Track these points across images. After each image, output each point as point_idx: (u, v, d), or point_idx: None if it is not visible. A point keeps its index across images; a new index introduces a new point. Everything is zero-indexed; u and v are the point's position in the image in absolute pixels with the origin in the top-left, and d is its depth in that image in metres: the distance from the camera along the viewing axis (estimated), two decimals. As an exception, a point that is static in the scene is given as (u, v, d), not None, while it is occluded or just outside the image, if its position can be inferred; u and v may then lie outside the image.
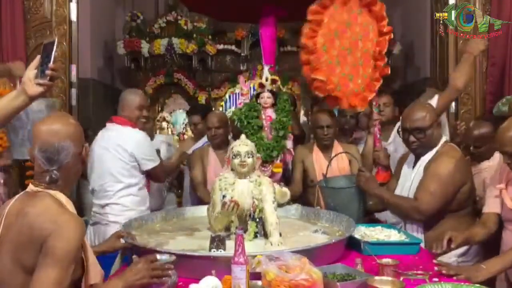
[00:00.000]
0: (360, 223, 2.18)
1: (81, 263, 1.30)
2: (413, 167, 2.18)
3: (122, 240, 1.76)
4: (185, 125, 5.42)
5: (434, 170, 2.04)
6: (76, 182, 1.39)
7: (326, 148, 2.79)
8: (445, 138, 2.20)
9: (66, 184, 1.34)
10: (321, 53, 2.39)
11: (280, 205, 2.30)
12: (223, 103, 5.71)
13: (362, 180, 2.25)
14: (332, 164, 2.67)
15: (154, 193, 2.97)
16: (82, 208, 3.34)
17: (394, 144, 2.86)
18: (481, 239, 1.93)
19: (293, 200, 2.62)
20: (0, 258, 1.25)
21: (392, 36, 2.59)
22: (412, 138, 2.12)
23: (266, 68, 2.75)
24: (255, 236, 1.95)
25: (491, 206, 1.94)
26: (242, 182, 2.01)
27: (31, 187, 1.32)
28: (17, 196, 1.34)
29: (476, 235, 1.91)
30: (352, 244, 1.89)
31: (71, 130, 1.33)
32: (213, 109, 5.22)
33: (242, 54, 5.71)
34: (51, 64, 1.42)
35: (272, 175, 2.64)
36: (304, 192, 2.88)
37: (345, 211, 2.23)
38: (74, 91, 3.80)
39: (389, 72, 2.59)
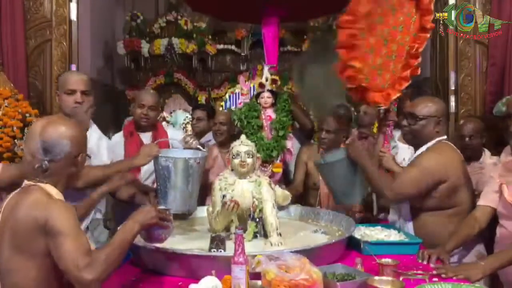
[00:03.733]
0: (364, 195, 2.17)
1: None
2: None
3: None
4: (185, 124, 5.41)
5: (418, 160, 2.05)
6: (70, 185, 1.47)
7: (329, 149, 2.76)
8: (443, 138, 2.15)
9: (58, 180, 1.41)
10: (359, 38, 2.19)
11: (280, 207, 2.30)
12: (223, 103, 5.70)
13: (352, 149, 2.16)
14: None
15: None
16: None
17: (396, 149, 2.87)
18: (469, 238, 1.93)
19: (294, 201, 2.62)
20: (2, 249, 1.33)
21: (430, 34, 2.36)
22: (404, 122, 2.13)
23: (266, 68, 2.75)
24: (255, 236, 1.95)
25: (488, 199, 1.94)
26: (242, 182, 2.01)
27: (26, 183, 1.40)
28: (14, 191, 1.41)
29: (464, 237, 1.91)
30: (352, 244, 1.89)
31: (72, 133, 1.42)
32: (214, 109, 5.21)
33: (242, 54, 5.72)
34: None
35: (272, 175, 2.65)
36: (306, 195, 2.88)
37: (346, 185, 2.18)
38: (74, 91, 3.80)
39: (419, 73, 2.42)
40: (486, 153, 2.74)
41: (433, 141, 2.09)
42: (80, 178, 1.61)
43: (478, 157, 2.71)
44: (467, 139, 2.68)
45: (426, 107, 2.09)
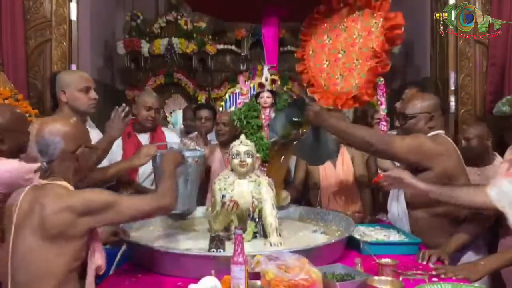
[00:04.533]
0: (336, 154, 2.16)
1: (86, 248, 1.44)
2: None
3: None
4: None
5: (415, 136, 2.02)
6: (81, 179, 1.56)
7: None
8: (440, 132, 2.09)
9: (65, 176, 1.47)
10: (309, 59, 2.66)
11: (280, 207, 2.30)
12: (223, 103, 5.71)
13: (311, 115, 2.06)
14: (337, 167, 2.66)
15: None
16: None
17: None
18: (472, 239, 1.91)
19: (295, 201, 2.62)
20: (23, 241, 1.38)
21: (400, 31, 2.41)
22: (397, 122, 2.17)
23: (266, 68, 2.75)
24: (254, 237, 1.95)
25: None
26: (242, 182, 2.01)
27: (38, 181, 1.46)
28: (25, 188, 1.44)
29: (464, 241, 1.89)
30: (351, 244, 1.89)
31: (65, 130, 1.47)
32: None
33: (242, 54, 5.72)
34: None
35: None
36: (306, 194, 2.88)
37: (315, 152, 2.17)
38: (74, 91, 3.80)
39: (387, 69, 2.45)
40: (498, 158, 2.67)
41: (428, 135, 2.05)
42: (91, 172, 1.69)
43: (485, 161, 2.68)
44: (465, 141, 2.68)
45: (415, 105, 2.09)
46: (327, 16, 2.63)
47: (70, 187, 1.45)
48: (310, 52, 2.67)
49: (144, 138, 2.72)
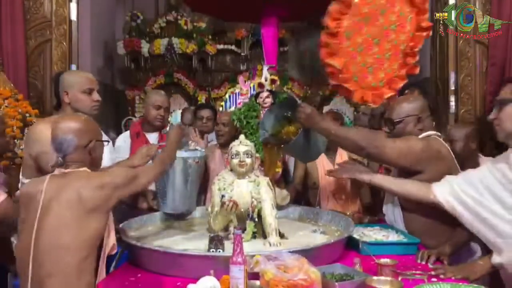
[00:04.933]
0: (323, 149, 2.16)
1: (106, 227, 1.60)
2: None
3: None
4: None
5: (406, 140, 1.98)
6: (95, 169, 1.73)
7: (329, 150, 2.77)
8: (432, 133, 2.05)
9: (84, 166, 1.64)
10: (343, 38, 2.20)
11: (280, 207, 2.30)
12: (223, 103, 5.72)
13: (302, 117, 2.01)
14: (335, 166, 2.64)
15: None
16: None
17: None
18: (469, 239, 1.91)
19: (294, 201, 2.62)
20: (50, 219, 1.51)
21: (430, 33, 2.35)
22: (385, 128, 2.10)
23: (265, 68, 2.75)
24: (254, 237, 1.95)
25: None
26: (241, 182, 2.01)
27: (59, 170, 1.60)
28: (46, 177, 1.59)
29: (462, 240, 1.89)
30: (350, 244, 1.89)
31: (76, 127, 1.63)
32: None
33: (242, 54, 5.73)
34: None
35: (271, 175, 2.64)
36: (305, 194, 2.88)
37: (305, 150, 2.15)
38: (74, 91, 3.80)
39: (418, 71, 2.40)
40: (483, 158, 2.66)
41: (420, 137, 2.01)
42: (98, 166, 1.79)
43: (470, 164, 2.65)
44: (449, 143, 2.60)
45: (401, 108, 2.05)
46: None
47: (92, 172, 1.64)
48: (345, 29, 2.19)
49: (153, 137, 2.72)
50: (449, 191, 1.79)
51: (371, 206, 2.79)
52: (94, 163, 1.70)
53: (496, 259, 1.61)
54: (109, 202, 1.57)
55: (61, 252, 1.48)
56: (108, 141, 1.85)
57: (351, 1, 2.14)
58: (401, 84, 2.35)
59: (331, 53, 2.19)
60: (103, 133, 1.86)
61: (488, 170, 1.72)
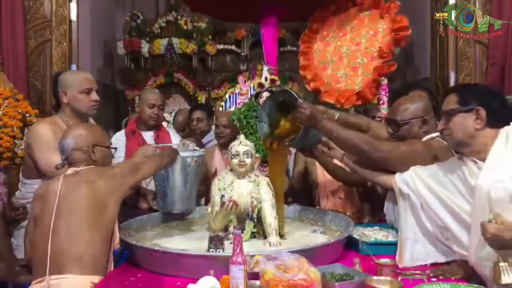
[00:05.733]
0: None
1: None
2: None
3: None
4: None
5: (409, 144, 1.92)
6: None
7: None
8: (436, 135, 1.98)
9: (87, 164, 1.77)
10: (313, 56, 2.74)
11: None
12: (223, 103, 5.72)
13: (303, 118, 1.93)
14: None
15: None
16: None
17: None
18: None
19: (293, 201, 2.62)
20: (68, 216, 1.62)
21: (408, 33, 2.59)
22: (389, 129, 2.05)
23: (265, 68, 2.76)
24: (253, 236, 1.95)
25: None
26: (241, 182, 2.01)
27: (71, 169, 1.74)
28: (59, 177, 1.70)
29: None
30: (350, 244, 1.89)
31: (76, 132, 1.80)
32: (213, 109, 5.22)
33: (242, 54, 5.73)
34: None
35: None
36: (305, 193, 2.87)
37: (304, 140, 2.09)
38: (74, 91, 3.80)
39: (394, 68, 2.63)
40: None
41: (424, 140, 1.96)
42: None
43: None
44: None
45: (406, 110, 1.98)
46: (335, 14, 2.70)
47: (101, 167, 1.78)
48: (315, 48, 2.76)
49: (148, 136, 2.72)
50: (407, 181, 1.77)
51: (371, 206, 2.78)
52: (96, 165, 1.79)
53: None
54: (121, 190, 1.72)
55: (78, 243, 1.59)
56: (115, 148, 1.97)
57: (317, 28, 2.72)
58: (375, 85, 2.61)
59: (304, 67, 2.79)
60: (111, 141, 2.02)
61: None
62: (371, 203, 2.73)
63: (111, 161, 1.94)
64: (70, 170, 1.74)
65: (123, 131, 2.82)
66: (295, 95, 1.96)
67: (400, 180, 1.79)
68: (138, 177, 1.84)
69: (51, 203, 1.65)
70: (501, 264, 1.32)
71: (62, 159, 1.77)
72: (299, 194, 2.85)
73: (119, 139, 2.73)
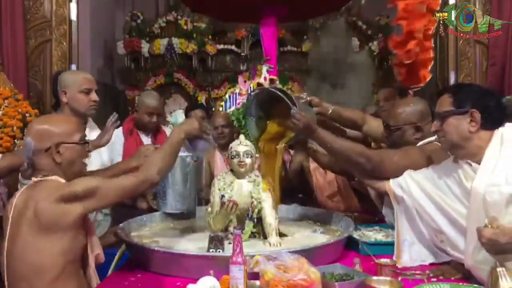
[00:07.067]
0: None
1: (83, 240, 1.50)
2: None
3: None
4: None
5: (405, 151, 1.87)
6: (77, 172, 1.56)
7: None
8: (431, 139, 1.91)
9: (53, 172, 1.49)
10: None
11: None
12: (223, 103, 5.72)
13: (299, 128, 1.84)
14: None
15: None
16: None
17: None
18: None
19: (293, 201, 2.62)
20: (19, 236, 1.42)
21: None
22: (384, 133, 2.04)
23: (264, 68, 2.75)
24: (253, 236, 1.95)
25: None
26: (241, 182, 2.01)
27: (33, 179, 1.49)
28: (22, 189, 1.50)
29: None
30: (350, 244, 1.88)
31: (37, 128, 1.50)
32: (213, 109, 5.22)
33: (242, 54, 5.73)
34: None
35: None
36: (304, 194, 2.88)
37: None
38: (74, 91, 3.80)
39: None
40: None
41: (419, 145, 1.92)
42: (82, 171, 1.61)
43: None
44: None
45: (399, 115, 1.93)
46: None
47: (61, 180, 1.48)
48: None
49: (145, 137, 2.72)
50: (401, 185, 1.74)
51: (371, 206, 2.79)
52: (68, 169, 1.51)
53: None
54: (66, 217, 1.41)
55: (33, 271, 1.41)
56: (87, 143, 1.61)
57: None
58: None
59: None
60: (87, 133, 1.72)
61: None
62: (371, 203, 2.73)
63: (83, 161, 1.59)
64: (33, 179, 1.49)
65: (120, 129, 2.81)
66: (292, 98, 1.92)
67: (394, 184, 1.76)
68: (95, 204, 1.47)
69: (6, 224, 1.46)
70: (498, 269, 1.30)
71: (26, 162, 1.48)
72: (297, 191, 2.85)
73: (116, 135, 2.72)
